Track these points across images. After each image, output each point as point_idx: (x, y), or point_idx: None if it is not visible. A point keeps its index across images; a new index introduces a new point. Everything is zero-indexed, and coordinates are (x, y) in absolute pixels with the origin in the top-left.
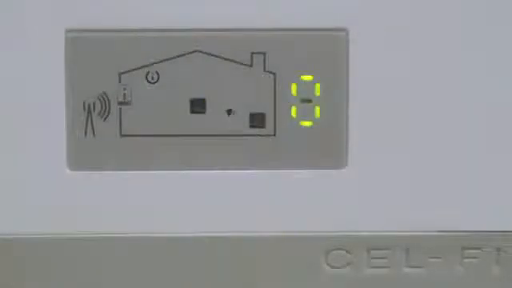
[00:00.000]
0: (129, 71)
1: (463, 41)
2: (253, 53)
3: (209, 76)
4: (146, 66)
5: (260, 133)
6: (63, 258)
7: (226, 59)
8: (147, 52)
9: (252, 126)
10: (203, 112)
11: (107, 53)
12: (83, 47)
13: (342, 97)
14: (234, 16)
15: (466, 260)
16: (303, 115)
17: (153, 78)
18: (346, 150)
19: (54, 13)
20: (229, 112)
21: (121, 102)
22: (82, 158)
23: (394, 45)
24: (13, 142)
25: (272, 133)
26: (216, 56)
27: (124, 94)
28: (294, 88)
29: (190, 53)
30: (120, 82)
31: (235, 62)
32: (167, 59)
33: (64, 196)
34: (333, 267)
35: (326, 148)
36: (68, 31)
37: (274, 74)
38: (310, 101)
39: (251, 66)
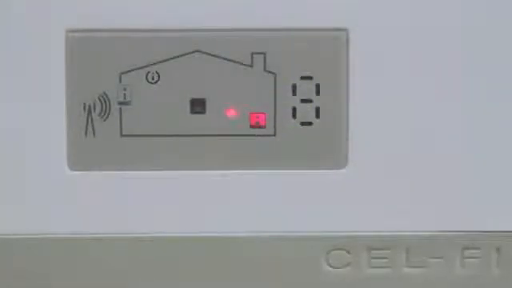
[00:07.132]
0: (129, 71)
1: (463, 40)
2: (253, 53)
3: (209, 76)
4: (146, 66)
5: (260, 133)
6: (63, 258)
7: (226, 59)
8: (147, 52)
9: (252, 126)
10: (203, 112)
11: (107, 53)
12: (83, 47)
13: (342, 97)
14: (234, 16)
15: (466, 260)
16: (303, 115)
17: (153, 78)
18: (346, 150)
19: (54, 13)
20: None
21: (121, 101)
22: (82, 158)
23: (394, 45)
24: (13, 141)
25: (272, 133)
26: (216, 56)
27: (124, 94)
28: (294, 88)
29: (190, 53)
30: (120, 82)
31: (235, 61)
32: (167, 59)
33: (64, 196)
34: (333, 267)
35: (326, 148)
36: (68, 31)
37: (274, 74)
38: (310, 101)
39: (251, 66)
